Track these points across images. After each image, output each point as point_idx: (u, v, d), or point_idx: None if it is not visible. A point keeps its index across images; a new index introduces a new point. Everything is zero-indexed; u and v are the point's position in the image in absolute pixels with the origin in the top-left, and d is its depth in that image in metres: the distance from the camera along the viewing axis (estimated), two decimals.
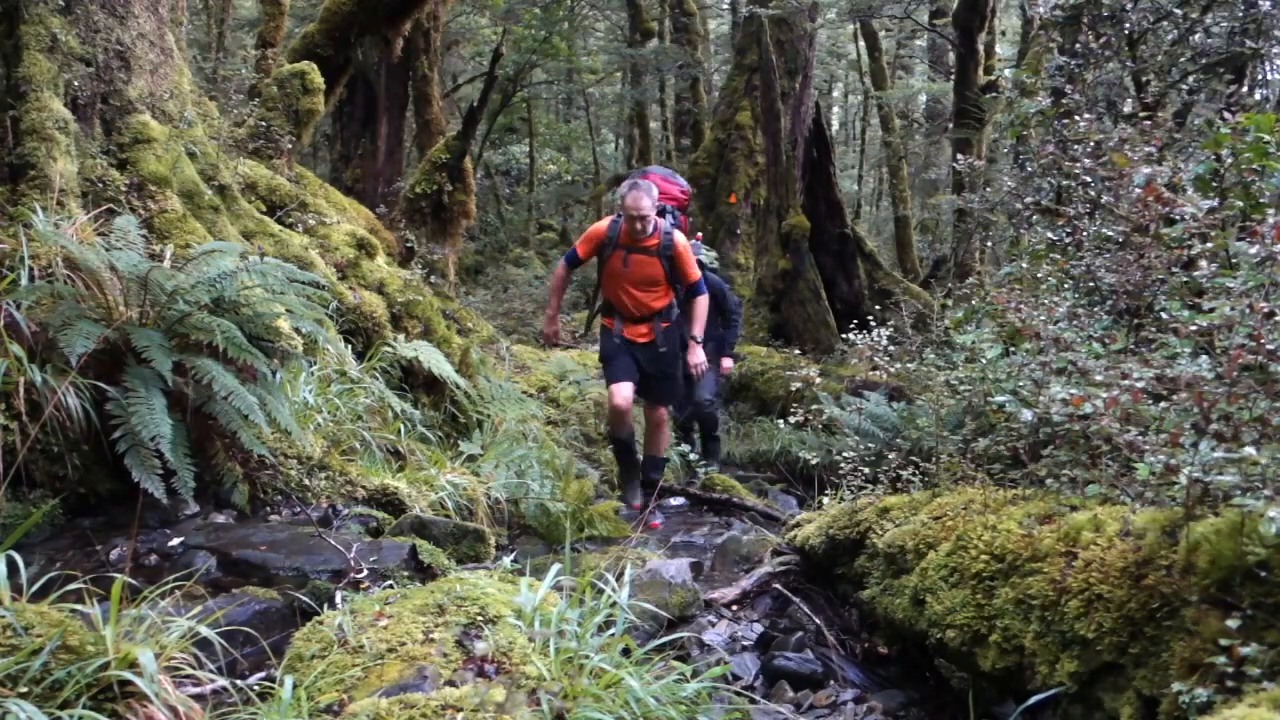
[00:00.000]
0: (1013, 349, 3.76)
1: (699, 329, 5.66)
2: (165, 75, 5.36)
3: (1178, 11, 5.60)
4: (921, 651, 2.86)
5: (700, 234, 6.28)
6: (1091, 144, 4.10)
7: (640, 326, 5.69)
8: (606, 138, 25.10)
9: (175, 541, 3.59)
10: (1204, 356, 2.74)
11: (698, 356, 5.66)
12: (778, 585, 3.68)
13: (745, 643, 3.35)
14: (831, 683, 3.01)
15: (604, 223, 5.67)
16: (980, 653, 2.38)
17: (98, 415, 3.53)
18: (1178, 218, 3.18)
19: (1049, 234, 4.44)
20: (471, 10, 16.95)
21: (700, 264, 6.79)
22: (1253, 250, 2.65)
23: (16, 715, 1.65)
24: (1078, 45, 5.55)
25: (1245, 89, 6.08)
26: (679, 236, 5.60)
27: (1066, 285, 3.88)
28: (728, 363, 7.58)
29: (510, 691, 1.97)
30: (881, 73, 19.73)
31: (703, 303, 5.67)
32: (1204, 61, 5.69)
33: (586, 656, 2.15)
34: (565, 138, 22.61)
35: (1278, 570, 1.72)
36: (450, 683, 2.06)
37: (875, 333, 4.79)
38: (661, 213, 5.66)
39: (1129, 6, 5.60)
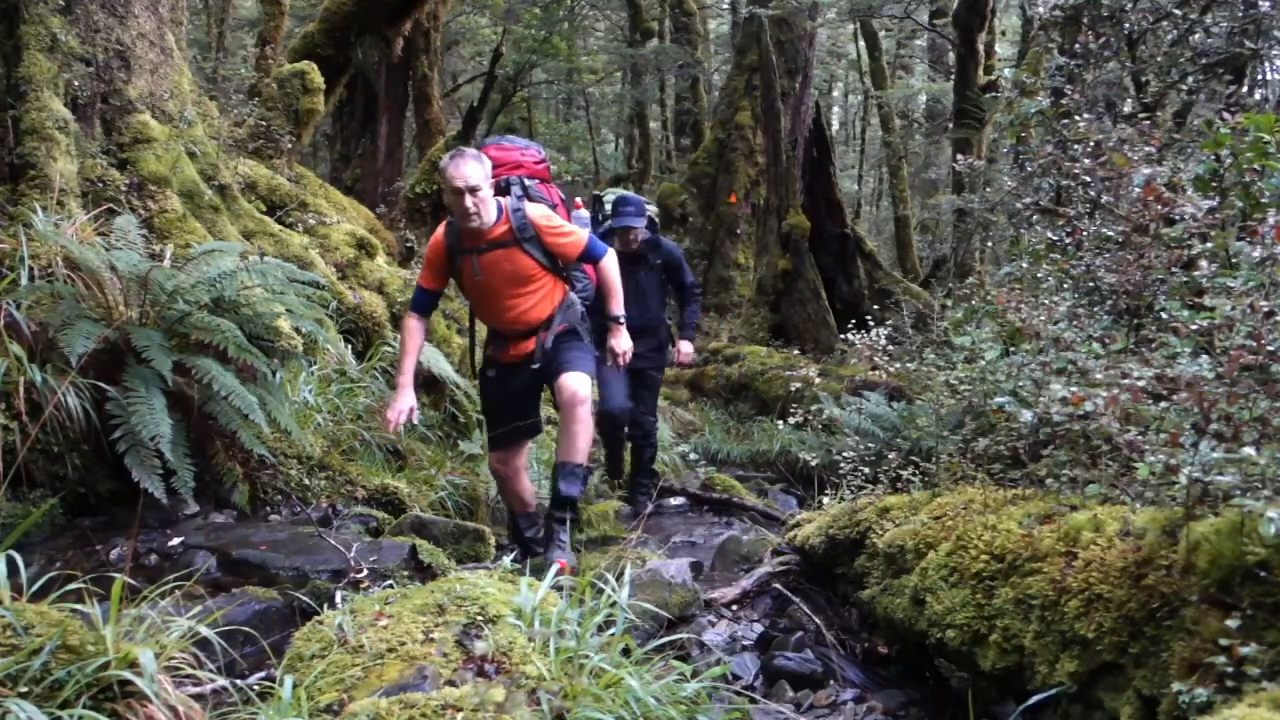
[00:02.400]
0: (1013, 349, 3.76)
1: (617, 304, 4.19)
2: (165, 75, 5.36)
3: (1177, 11, 5.60)
4: (921, 651, 2.86)
5: (580, 200, 4.81)
6: (1091, 144, 4.10)
7: (523, 343, 4.17)
8: (606, 138, 25.10)
9: (175, 541, 3.59)
10: (1204, 356, 2.74)
11: (622, 340, 4.22)
12: (778, 585, 3.68)
13: (745, 642, 3.35)
14: (831, 682, 3.01)
15: (439, 229, 4.12)
16: (980, 652, 2.38)
17: (98, 415, 3.53)
18: (1178, 218, 3.19)
19: (1049, 234, 4.44)
20: (471, 10, 16.95)
21: (651, 222, 5.79)
22: (1253, 250, 2.65)
23: (16, 715, 1.65)
24: (1077, 45, 5.55)
25: (1245, 89, 6.08)
26: (533, 208, 4.05)
27: (1066, 285, 3.88)
28: (686, 348, 6.11)
29: (510, 691, 1.97)
30: (881, 73, 19.73)
31: (609, 266, 4.16)
32: (1204, 61, 5.68)
33: (586, 656, 2.15)
34: (565, 138, 22.60)
35: (1278, 570, 1.72)
36: (450, 682, 2.07)
37: (875, 333, 4.79)
38: (503, 190, 4.17)
39: (1129, 6, 5.60)
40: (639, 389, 5.77)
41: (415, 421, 3.93)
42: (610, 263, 4.14)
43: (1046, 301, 3.70)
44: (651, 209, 5.91)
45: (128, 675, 1.82)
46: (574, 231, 4.10)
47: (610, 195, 5.84)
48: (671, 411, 9.21)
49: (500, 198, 4.06)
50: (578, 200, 4.76)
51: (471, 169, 3.83)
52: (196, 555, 3.46)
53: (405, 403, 3.90)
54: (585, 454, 4.07)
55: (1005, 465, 3.30)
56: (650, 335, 5.70)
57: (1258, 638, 1.68)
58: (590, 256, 4.12)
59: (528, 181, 4.28)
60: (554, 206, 4.28)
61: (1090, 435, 2.58)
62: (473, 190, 3.82)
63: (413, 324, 4.10)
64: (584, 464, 4.08)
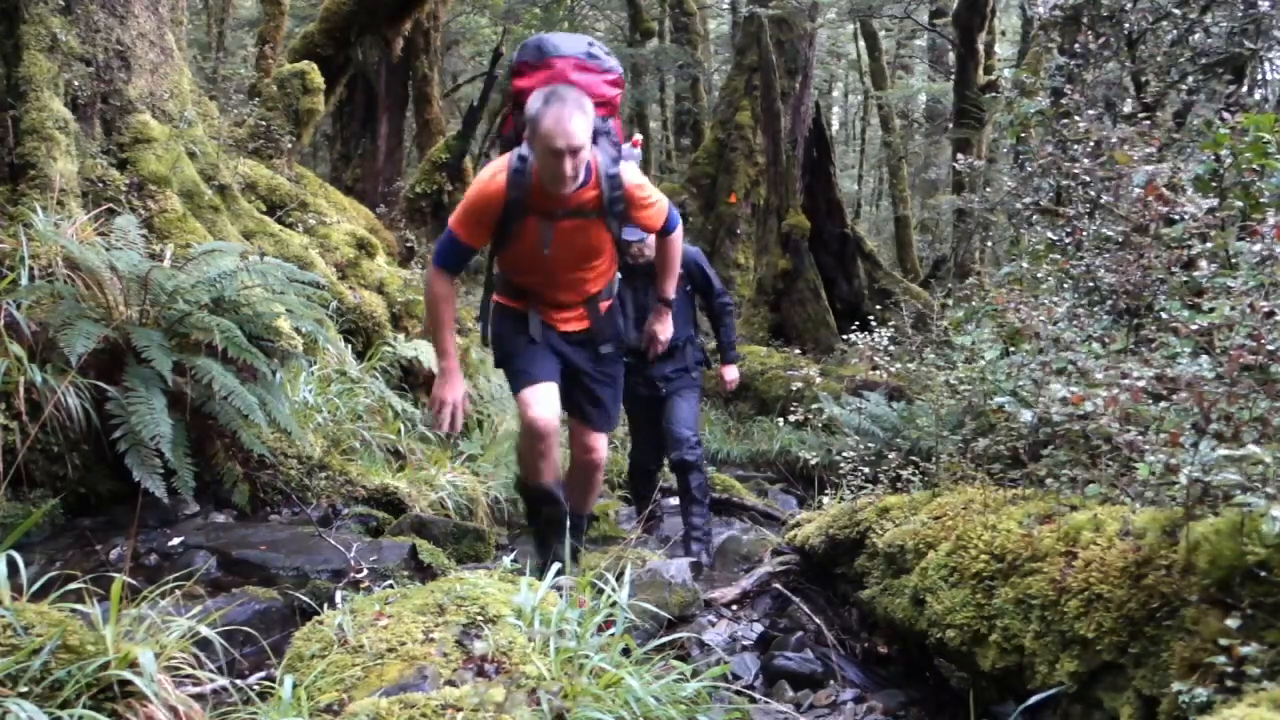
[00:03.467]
0: (1013, 349, 3.76)
1: (670, 285, 3.72)
2: (165, 75, 5.36)
3: (1177, 11, 5.60)
4: (921, 651, 2.86)
5: (638, 138, 3.87)
6: (1091, 144, 4.10)
7: (568, 312, 3.55)
8: None
9: (175, 541, 3.59)
10: (1204, 356, 2.74)
11: (665, 328, 3.84)
12: (778, 585, 3.68)
13: (745, 642, 3.35)
14: (831, 682, 3.01)
15: (495, 172, 3.25)
16: (980, 652, 2.38)
17: (98, 415, 3.53)
18: (1178, 218, 3.19)
19: (1049, 234, 4.44)
20: (471, 10, 16.95)
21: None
22: (1253, 250, 2.65)
23: (16, 715, 1.65)
24: (1077, 45, 5.55)
25: (1245, 89, 6.08)
26: (629, 172, 3.31)
27: (1066, 285, 3.88)
28: (732, 374, 5.26)
29: (510, 691, 1.97)
30: (881, 73, 19.73)
31: (677, 240, 3.62)
32: (1203, 61, 5.68)
33: (586, 656, 2.15)
34: None
35: (1278, 570, 1.72)
36: (450, 682, 2.07)
37: (875, 333, 4.79)
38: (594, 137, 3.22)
39: (1128, 6, 5.59)
40: (674, 408, 4.86)
41: (470, 412, 3.47)
42: (679, 236, 3.62)
43: (1046, 301, 3.70)
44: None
45: (128, 675, 1.82)
46: (659, 199, 3.42)
47: None
48: None
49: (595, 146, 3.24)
50: (636, 137, 3.77)
51: (578, 123, 3.00)
52: (196, 555, 3.46)
53: (457, 392, 3.25)
54: (593, 503, 4.04)
55: (1005, 465, 3.30)
56: (676, 355, 4.84)
57: (1258, 638, 1.68)
58: (666, 227, 3.52)
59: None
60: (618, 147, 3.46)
61: (1090, 435, 2.58)
62: (575, 151, 3.03)
63: (444, 289, 3.33)
64: (591, 513, 4.19)
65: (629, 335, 3.92)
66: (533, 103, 3.07)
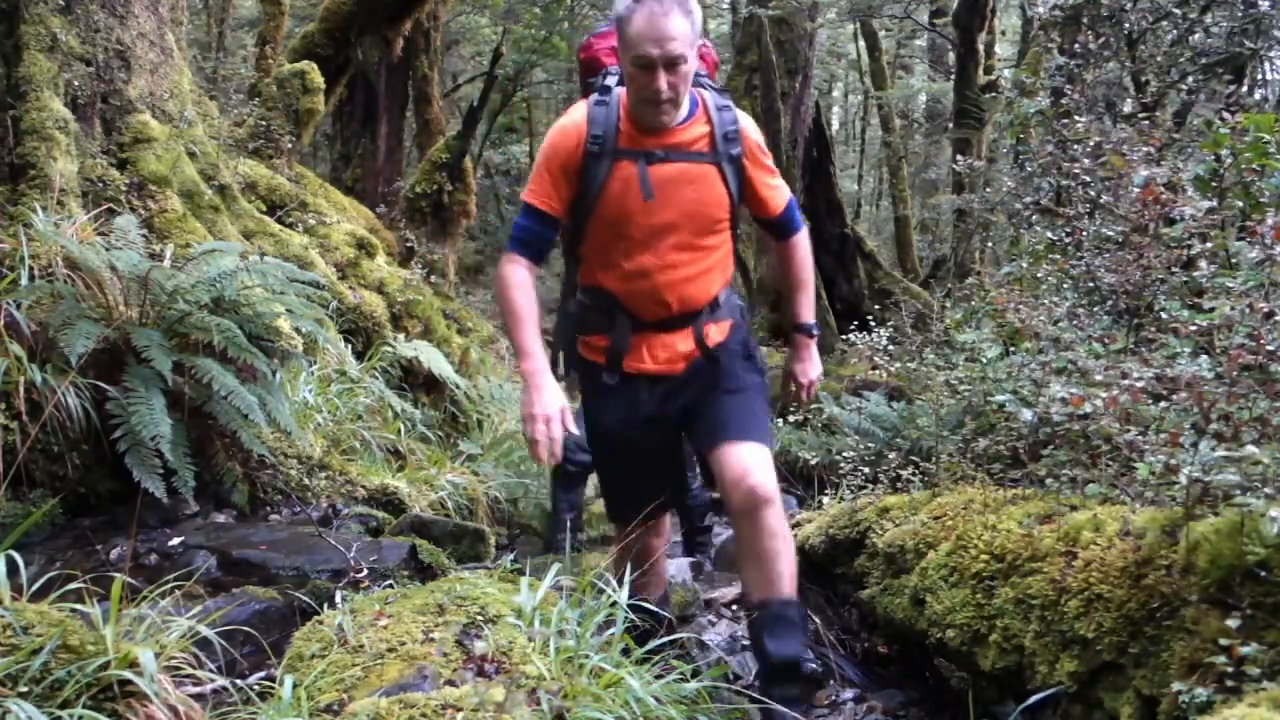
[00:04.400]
0: (1013, 349, 3.76)
1: (808, 307, 2.83)
2: (165, 75, 5.36)
3: (1177, 11, 5.60)
4: (921, 651, 2.86)
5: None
6: (1091, 144, 4.10)
7: (670, 338, 2.63)
8: None
9: (175, 541, 3.59)
10: (1204, 356, 2.74)
11: (813, 364, 2.88)
12: None
13: (745, 642, 3.34)
14: (831, 682, 3.01)
15: (571, 114, 2.60)
16: (980, 652, 2.38)
17: (98, 415, 3.53)
18: (1177, 218, 3.19)
19: (1049, 234, 4.44)
20: (471, 10, 16.94)
21: None
22: (1253, 250, 2.65)
23: (16, 715, 1.65)
24: (1077, 45, 5.55)
25: (1245, 89, 6.08)
26: (744, 117, 2.63)
27: (1066, 285, 3.88)
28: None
29: (510, 691, 1.97)
30: (881, 73, 19.72)
31: (804, 245, 2.81)
32: (1203, 61, 5.68)
33: (586, 656, 2.15)
34: None
35: (1278, 570, 1.72)
36: (450, 682, 2.07)
37: (875, 333, 4.79)
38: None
39: (1128, 6, 5.59)
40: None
41: (572, 431, 2.34)
42: (806, 240, 2.79)
43: (1046, 301, 3.70)
44: None
45: (128, 675, 1.82)
46: (780, 179, 2.73)
47: None
48: None
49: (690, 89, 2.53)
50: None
51: (677, 24, 2.33)
52: (196, 555, 3.46)
53: (548, 404, 2.34)
54: (794, 582, 2.51)
55: (1005, 465, 3.30)
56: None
57: (1258, 638, 1.68)
58: (788, 223, 2.73)
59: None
60: None
61: (1090, 435, 2.58)
62: (673, 63, 2.33)
63: (517, 274, 2.52)
64: (796, 599, 2.52)
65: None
66: (620, 3, 2.39)
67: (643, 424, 2.64)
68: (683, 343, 2.63)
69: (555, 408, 2.34)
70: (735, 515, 2.51)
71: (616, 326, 2.61)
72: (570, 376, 2.81)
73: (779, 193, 2.69)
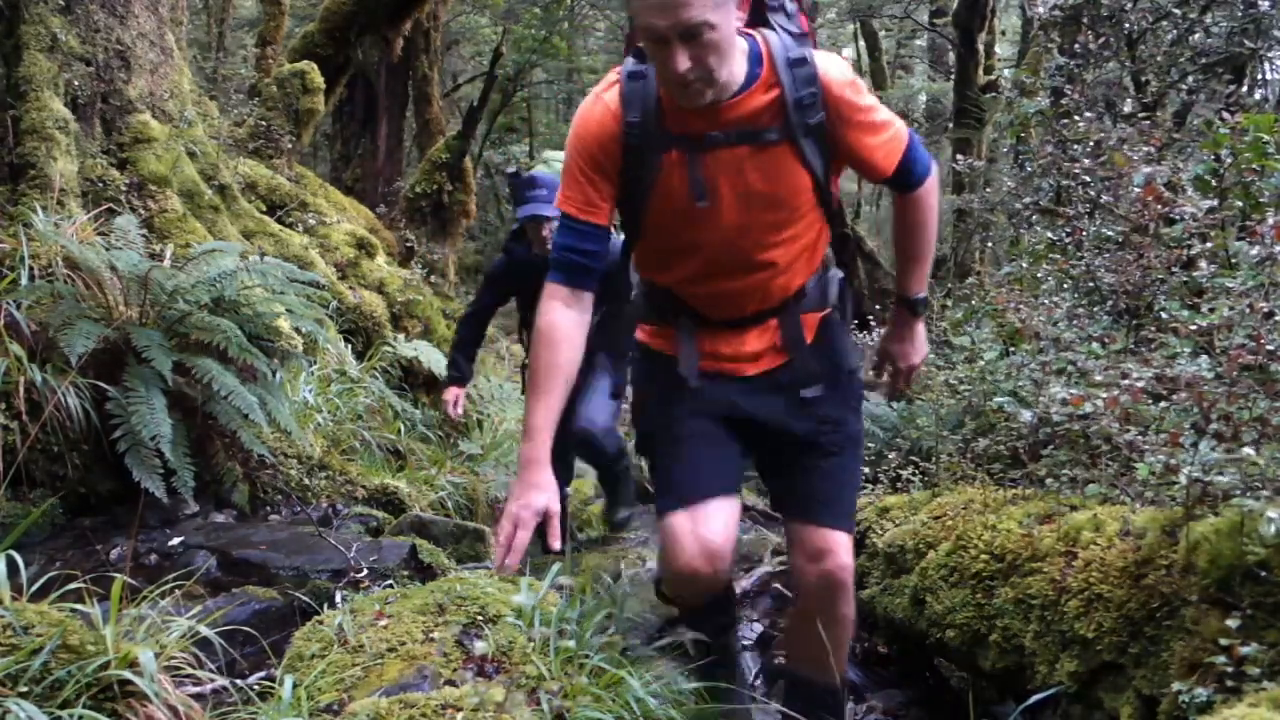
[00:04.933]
0: (1012, 349, 3.76)
1: (920, 277, 2.31)
2: (165, 75, 5.36)
3: (1177, 11, 5.60)
4: (921, 651, 2.86)
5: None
6: (1091, 144, 4.10)
7: (746, 336, 2.19)
8: None
9: (175, 541, 3.59)
10: (1204, 356, 2.74)
11: (915, 350, 2.41)
12: (778, 585, 3.68)
13: (745, 642, 3.34)
14: None
15: (605, 100, 2.02)
16: (980, 652, 2.38)
17: (98, 415, 3.53)
18: (1178, 218, 3.19)
19: (1049, 234, 4.44)
20: (471, 10, 16.94)
21: None
22: (1253, 250, 2.65)
23: (16, 715, 1.65)
24: (1077, 45, 5.55)
25: (1245, 89, 6.08)
26: (828, 63, 2.00)
27: (1066, 285, 3.88)
28: None
29: (510, 691, 1.97)
30: (881, 73, 19.72)
31: (926, 204, 2.21)
32: (1203, 61, 5.69)
33: (586, 656, 2.15)
34: (565, 138, 22.55)
35: (1278, 570, 1.72)
36: (450, 682, 2.07)
37: (875, 333, 4.79)
38: (756, 14, 2.02)
39: (1128, 6, 5.59)
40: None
41: (556, 548, 1.93)
42: (930, 195, 2.16)
43: (1046, 301, 3.71)
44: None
45: (128, 675, 1.82)
46: (889, 118, 2.07)
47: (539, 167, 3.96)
48: None
49: (752, 33, 1.97)
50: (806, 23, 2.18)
51: None
52: (196, 555, 3.46)
53: (531, 508, 1.89)
54: (844, 658, 2.22)
55: (1005, 465, 3.30)
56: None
57: (1258, 638, 1.68)
58: (906, 176, 2.10)
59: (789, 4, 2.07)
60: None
61: (1090, 435, 2.59)
62: (691, 34, 1.77)
63: (559, 320, 2.00)
64: (837, 683, 2.18)
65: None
66: None
67: (707, 417, 2.17)
68: (758, 340, 2.16)
69: (533, 511, 1.88)
70: (804, 594, 2.17)
71: (680, 327, 2.18)
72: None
73: (888, 148, 2.03)
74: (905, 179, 2.11)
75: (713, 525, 2.08)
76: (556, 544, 1.88)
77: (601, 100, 2.02)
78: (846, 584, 2.11)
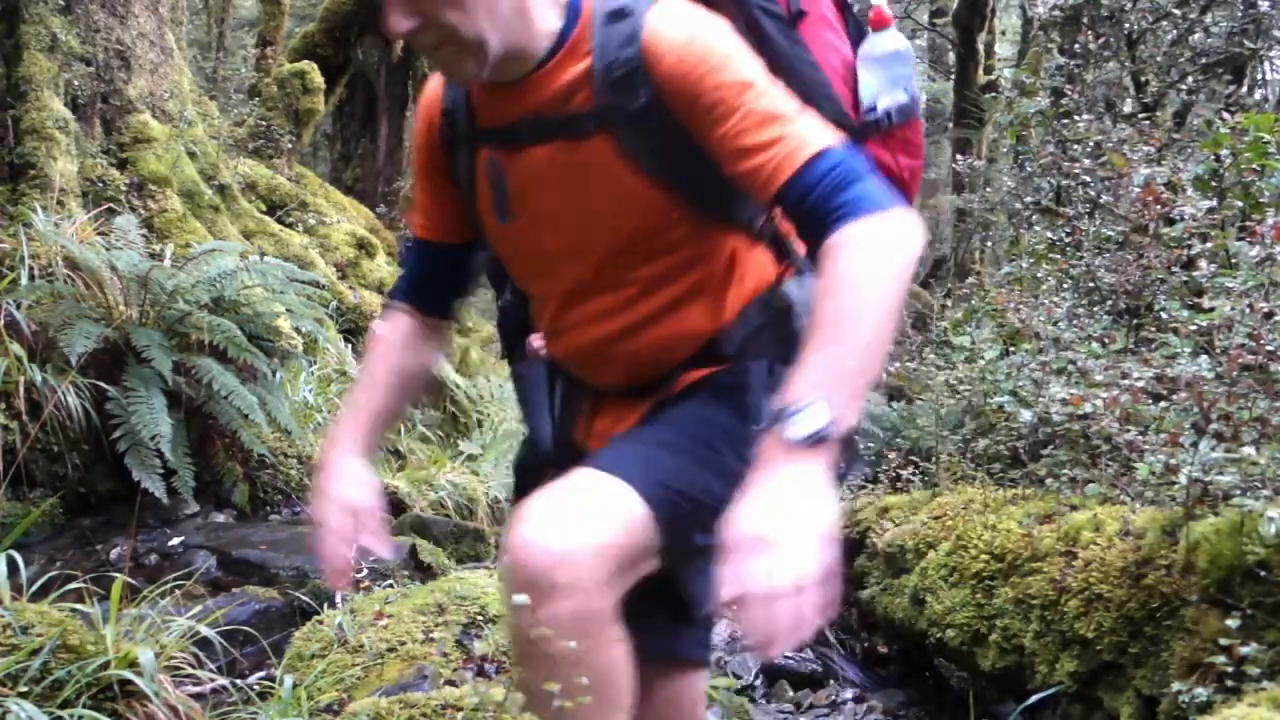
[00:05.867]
0: (1013, 349, 3.76)
1: (829, 378, 1.05)
2: (165, 75, 5.36)
3: (1177, 11, 5.60)
4: (921, 651, 2.86)
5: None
6: (1091, 144, 4.10)
7: (630, 412, 1.37)
8: None
9: (175, 541, 3.59)
10: (1204, 356, 2.74)
11: (779, 548, 0.98)
12: None
13: (746, 642, 3.34)
14: (831, 682, 3.01)
15: (431, 84, 1.44)
16: (980, 652, 2.38)
17: (98, 415, 3.53)
18: (1178, 218, 3.19)
19: (1049, 234, 4.44)
20: None
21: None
22: (1253, 250, 2.65)
23: (17, 715, 1.65)
24: (1077, 45, 5.55)
25: (1245, 89, 6.08)
26: (664, 13, 1.22)
27: (1066, 285, 3.88)
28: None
29: (510, 691, 1.96)
30: None
31: (869, 268, 1.10)
32: (1203, 61, 5.69)
33: None
34: None
35: (1277, 570, 1.72)
36: (450, 682, 2.07)
37: None
38: None
39: (1128, 6, 5.60)
40: None
41: (386, 556, 1.57)
42: (883, 249, 1.13)
43: (1046, 301, 3.71)
44: None
45: (128, 675, 1.82)
46: (789, 109, 1.21)
47: None
48: None
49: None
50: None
51: None
52: (196, 555, 3.46)
53: (328, 509, 1.42)
54: None
55: (1005, 465, 3.30)
56: None
57: (1258, 637, 1.68)
58: (827, 203, 1.15)
59: None
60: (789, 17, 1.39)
61: (1090, 435, 2.59)
62: (426, 22, 1.20)
63: (384, 329, 1.56)
64: None
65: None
66: None
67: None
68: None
69: (330, 522, 1.41)
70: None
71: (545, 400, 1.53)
72: None
73: (776, 150, 1.18)
74: (813, 209, 1.15)
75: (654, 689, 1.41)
76: (383, 551, 1.45)
77: (430, 81, 1.48)
78: (552, 584, 1.12)
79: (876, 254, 1.12)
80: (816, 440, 1.02)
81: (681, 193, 1.29)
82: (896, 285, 1.10)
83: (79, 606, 2.07)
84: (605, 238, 1.33)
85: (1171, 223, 3.29)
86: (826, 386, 1.05)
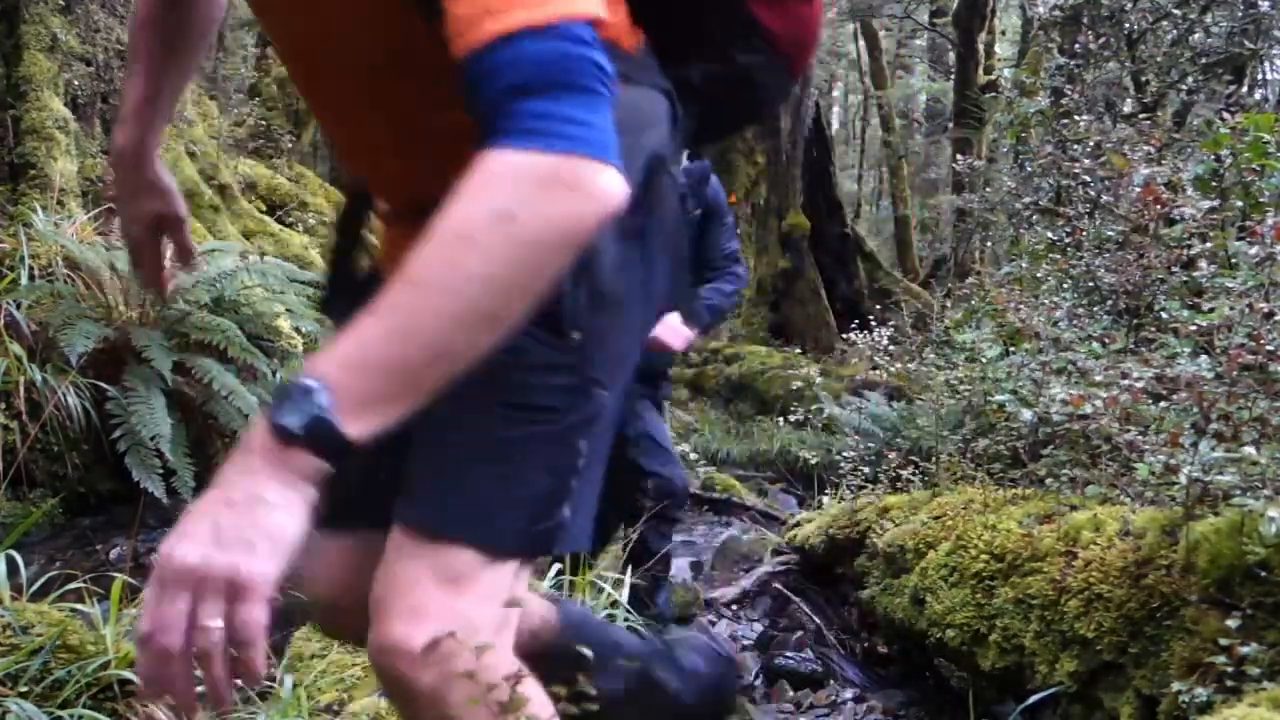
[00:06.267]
0: (1013, 349, 3.76)
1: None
2: None
3: (1177, 11, 5.60)
4: (921, 651, 2.86)
5: None
6: (1091, 144, 4.10)
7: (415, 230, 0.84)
8: None
9: None
10: (1204, 356, 2.74)
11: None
12: (778, 585, 3.68)
13: (745, 642, 3.34)
14: (831, 682, 3.01)
15: None
16: (980, 652, 2.38)
17: (98, 415, 3.53)
18: (1178, 218, 3.19)
19: (1049, 234, 4.44)
20: None
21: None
22: (1253, 250, 2.65)
23: (17, 715, 1.65)
24: (1077, 45, 5.55)
25: (1245, 89, 6.09)
26: None
27: (1066, 285, 3.88)
28: (681, 335, 3.01)
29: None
30: (881, 72, 19.72)
31: (493, 205, 0.81)
32: (1203, 61, 5.69)
33: None
34: None
35: (1278, 570, 1.72)
36: None
37: (875, 333, 4.79)
38: None
39: (1128, 6, 5.60)
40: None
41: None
42: (518, 187, 0.81)
43: (1046, 301, 3.71)
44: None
45: (128, 675, 1.82)
46: None
47: None
48: (671, 411, 9.22)
49: None
50: None
51: None
52: None
53: (147, 231, 1.33)
54: None
55: (1005, 465, 3.30)
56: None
57: (1258, 637, 1.68)
58: (477, 90, 0.84)
59: None
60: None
61: (1090, 435, 2.59)
62: None
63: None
64: None
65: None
66: None
67: None
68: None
69: (143, 210, 1.34)
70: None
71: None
72: None
73: (471, 5, 0.85)
74: (483, 112, 0.85)
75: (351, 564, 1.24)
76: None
77: None
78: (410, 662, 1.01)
79: (512, 208, 0.80)
80: (299, 437, 0.80)
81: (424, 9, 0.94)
82: (524, 258, 0.81)
83: (79, 606, 2.07)
84: (339, 30, 1.05)
85: (1171, 223, 3.29)
86: (352, 370, 0.81)
